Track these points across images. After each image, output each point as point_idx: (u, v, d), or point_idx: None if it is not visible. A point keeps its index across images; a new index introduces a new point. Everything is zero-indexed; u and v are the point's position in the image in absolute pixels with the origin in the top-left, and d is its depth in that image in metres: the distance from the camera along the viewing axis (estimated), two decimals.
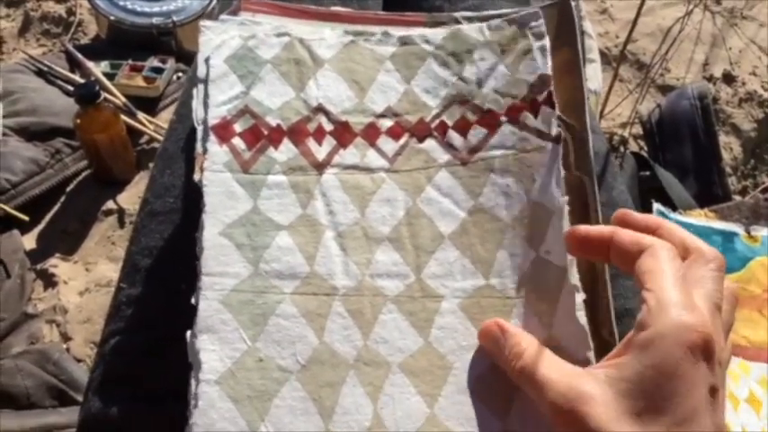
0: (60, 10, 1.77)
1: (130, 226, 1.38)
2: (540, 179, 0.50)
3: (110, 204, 1.42)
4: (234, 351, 0.45)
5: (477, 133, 0.52)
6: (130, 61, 1.57)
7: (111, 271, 1.32)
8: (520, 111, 0.52)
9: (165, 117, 1.52)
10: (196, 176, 0.51)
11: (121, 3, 1.61)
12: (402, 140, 0.52)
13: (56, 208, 1.42)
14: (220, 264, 0.47)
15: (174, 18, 1.59)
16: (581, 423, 0.37)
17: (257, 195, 0.49)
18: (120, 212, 1.40)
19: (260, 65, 0.53)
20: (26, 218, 1.35)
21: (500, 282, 0.48)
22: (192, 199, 0.52)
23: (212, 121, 0.50)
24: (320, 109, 0.52)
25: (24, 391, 1.09)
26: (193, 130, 0.53)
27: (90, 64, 1.55)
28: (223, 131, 0.50)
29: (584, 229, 0.45)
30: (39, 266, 1.33)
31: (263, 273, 0.47)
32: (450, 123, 0.53)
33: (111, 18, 1.59)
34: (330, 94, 0.53)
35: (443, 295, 0.48)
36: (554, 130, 0.50)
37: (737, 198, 1.39)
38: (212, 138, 0.50)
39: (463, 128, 0.52)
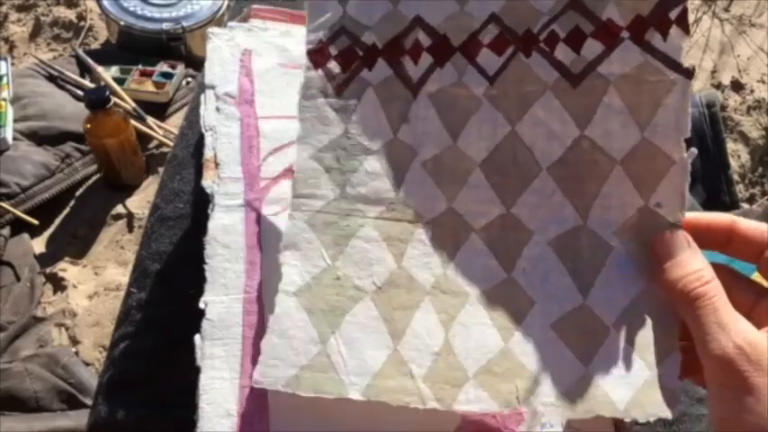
0: (71, 15, 1.78)
1: (139, 230, 1.38)
2: (663, 118, 0.44)
3: (119, 209, 1.42)
4: (314, 267, 0.45)
5: (592, 48, 0.45)
6: (140, 66, 1.57)
7: (119, 275, 1.32)
8: (646, 27, 0.44)
9: (175, 122, 1.53)
10: (204, 182, 0.52)
11: (132, 8, 1.61)
12: (505, 55, 0.46)
13: (65, 212, 1.43)
14: (309, 186, 0.46)
15: (184, 24, 1.59)
16: (745, 388, 0.37)
17: (348, 120, 0.47)
18: (129, 217, 1.41)
19: None
20: (36, 222, 1.36)
21: (599, 226, 0.45)
22: (202, 204, 0.52)
23: (308, 46, 0.48)
24: (418, 21, 0.47)
25: (33, 395, 1.10)
26: (203, 136, 0.53)
27: (100, 69, 1.55)
28: (318, 56, 0.48)
29: (704, 217, 0.43)
30: (48, 270, 1.33)
31: (348, 196, 0.46)
32: (561, 35, 0.45)
33: (122, 23, 1.59)
34: (428, 3, 0.47)
35: (533, 230, 0.45)
36: (685, 60, 0.44)
37: (745, 206, 1.39)
38: (307, 63, 0.48)
39: (576, 41, 0.45)
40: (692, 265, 0.41)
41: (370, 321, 0.44)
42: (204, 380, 0.46)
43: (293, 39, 0.58)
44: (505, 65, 0.46)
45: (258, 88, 0.55)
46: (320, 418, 0.46)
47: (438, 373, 0.43)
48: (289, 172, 0.53)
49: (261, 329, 0.48)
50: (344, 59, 0.48)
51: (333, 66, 0.48)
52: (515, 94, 0.46)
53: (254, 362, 0.46)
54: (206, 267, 0.49)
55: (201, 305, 0.48)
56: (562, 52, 0.45)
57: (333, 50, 0.48)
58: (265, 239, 0.51)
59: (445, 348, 0.43)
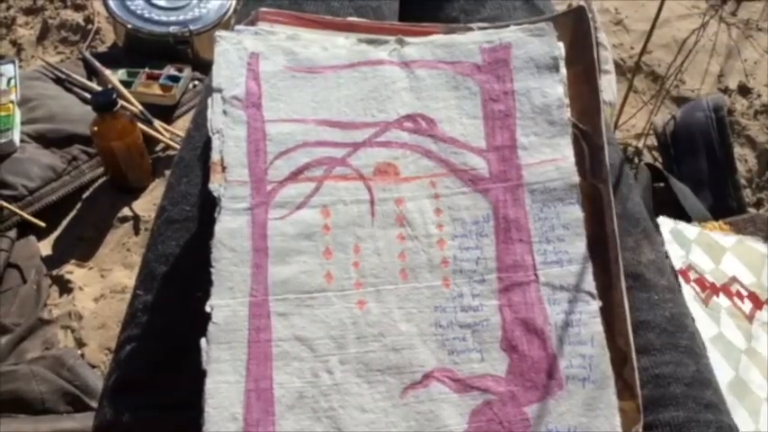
0: (78, 18, 1.79)
1: (145, 233, 1.38)
2: None
3: (125, 211, 1.42)
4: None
5: None
6: (147, 69, 1.57)
7: (125, 277, 1.32)
8: None
9: (181, 125, 1.53)
10: (211, 185, 0.52)
11: (139, 11, 1.62)
12: None
13: (72, 214, 1.43)
14: None
15: (191, 27, 1.59)
16: None
17: None
18: (136, 219, 1.41)
19: None
20: (42, 224, 1.36)
21: None
22: (209, 207, 0.52)
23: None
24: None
25: (39, 397, 1.10)
26: (210, 139, 0.53)
27: (107, 72, 1.56)
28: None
29: None
30: (54, 272, 1.33)
31: None
32: None
33: (129, 26, 1.60)
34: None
35: None
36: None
37: (752, 210, 1.39)
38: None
39: None
40: None
41: None
42: (210, 384, 0.46)
43: (300, 42, 0.58)
44: None
45: (265, 91, 0.56)
46: (328, 421, 0.46)
47: None
48: (295, 175, 0.53)
49: (267, 334, 0.48)
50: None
51: None
52: None
53: (260, 366, 0.46)
54: (212, 271, 0.49)
55: (207, 309, 0.48)
56: None
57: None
58: (271, 244, 0.51)
59: None
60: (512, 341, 0.49)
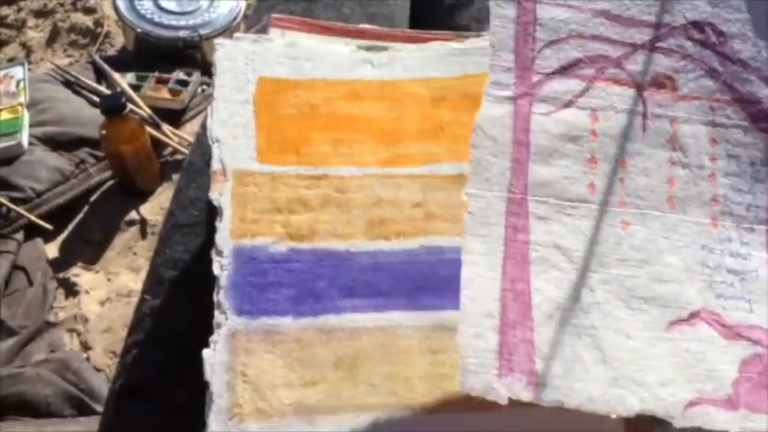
0: (88, 21, 1.79)
1: (152, 237, 1.38)
2: None
3: (132, 215, 1.43)
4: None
5: None
6: (156, 73, 1.58)
7: (132, 281, 1.32)
8: None
9: (190, 129, 1.53)
10: (212, 194, 0.51)
11: (149, 15, 1.62)
12: None
13: (79, 217, 1.43)
14: None
15: (201, 32, 1.60)
16: None
17: None
18: (143, 223, 1.41)
19: None
20: (50, 227, 1.36)
21: None
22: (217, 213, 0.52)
23: None
24: None
25: (44, 400, 1.10)
26: None
27: (116, 75, 1.56)
28: None
29: None
30: (61, 275, 1.33)
31: None
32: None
33: (138, 30, 1.60)
34: None
35: None
36: None
37: None
38: None
39: None
40: None
41: None
42: (465, 274, 0.44)
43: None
44: None
45: None
46: (588, 339, 0.44)
47: None
48: (564, 69, 0.49)
49: (525, 235, 0.46)
50: None
51: None
52: None
53: (517, 267, 0.45)
54: (471, 158, 0.46)
55: (463, 197, 0.46)
56: None
57: None
58: (534, 140, 0.48)
59: None
60: None
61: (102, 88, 1.57)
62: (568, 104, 0.48)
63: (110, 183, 1.47)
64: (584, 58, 0.49)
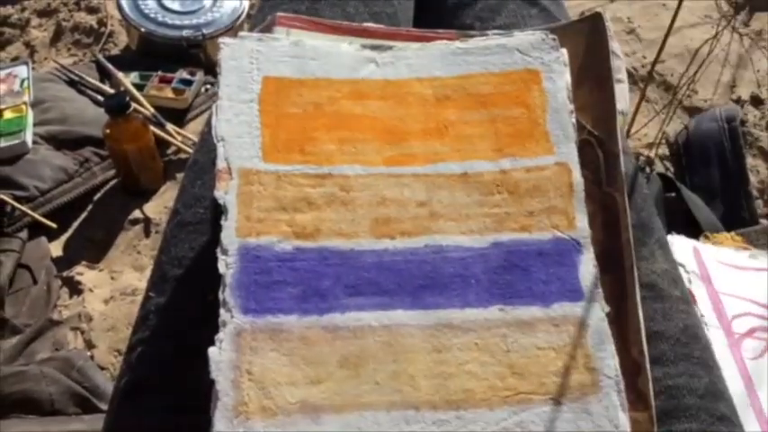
0: (91, 21, 1.80)
1: (156, 235, 1.39)
2: None
3: (136, 214, 1.43)
4: None
5: None
6: (160, 73, 1.58)
7: (135, 279, 1.33)
8: None
9: (193, 128, 1.54)
10: (217, 192, 0.51)
11: (152, 15, 1.62)
12: None
13: (83, 216, 1.43)
14: None
15: (204, 31, 1.60)
16: None
17: None
18: (147, 222, 1.41)
19: None
20: (54, 225, 1.37)
21: None
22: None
23: None
24: None
25: (48, 398, 1.10)
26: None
27: (120, 75, 1.56)
28: None
29: None
30: (65, 274, 1.33)
31: None
32: None
33: (142, 30, 1.60)
34: None
35: None
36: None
37: (764, 222, 1.38)
38: None
39: None
40: None
41: None
42: None
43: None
44: None
45: None
46: None
47: None
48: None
49: None
50: None
51: None
52: None
53: None
54: None
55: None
56: None
57: None
58: None
59: None
60: None
61: (106, 87, 1.57)
62: None
63: (113, 182, 1.47)
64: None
